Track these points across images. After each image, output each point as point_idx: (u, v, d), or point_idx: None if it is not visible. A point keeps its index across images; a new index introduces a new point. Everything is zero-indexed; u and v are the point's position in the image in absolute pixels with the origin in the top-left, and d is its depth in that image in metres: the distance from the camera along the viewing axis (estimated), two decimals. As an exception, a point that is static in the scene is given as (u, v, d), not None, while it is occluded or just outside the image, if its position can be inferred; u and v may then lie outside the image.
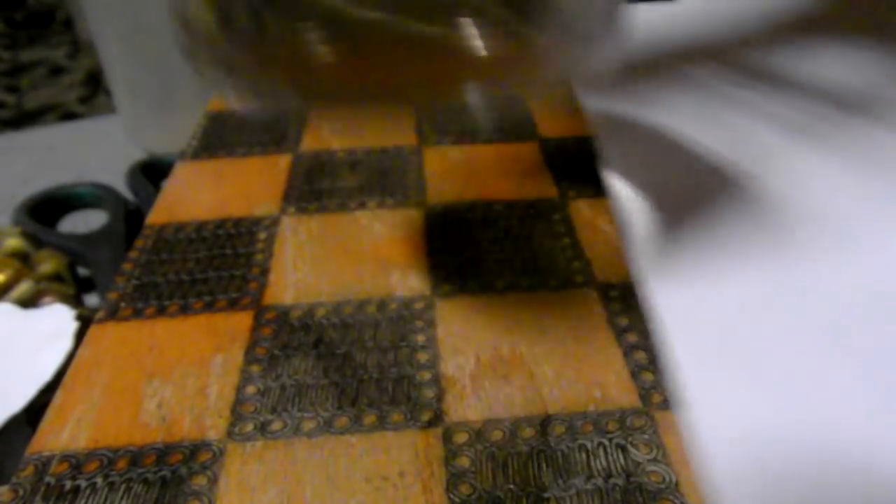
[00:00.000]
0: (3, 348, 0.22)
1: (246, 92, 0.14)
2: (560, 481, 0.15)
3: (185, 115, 0.36)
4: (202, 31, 0.13)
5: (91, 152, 0.39)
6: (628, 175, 0.19)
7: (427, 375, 0.18)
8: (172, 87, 0.36)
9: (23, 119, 0.74)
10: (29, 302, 0.25)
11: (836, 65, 0.22)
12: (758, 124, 0.20)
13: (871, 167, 0.18)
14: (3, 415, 0.20)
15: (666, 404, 0.17)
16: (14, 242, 0.28)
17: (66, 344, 0.22)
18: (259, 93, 0.14)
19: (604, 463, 0.15)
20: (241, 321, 0.20)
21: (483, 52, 0.12)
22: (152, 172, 0.34)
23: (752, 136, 0.19)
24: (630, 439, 0.16)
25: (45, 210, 0.32)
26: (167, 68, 0.35)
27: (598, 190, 0.23)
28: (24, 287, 0.25)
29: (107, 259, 0.28)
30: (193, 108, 0.35)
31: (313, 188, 0.26)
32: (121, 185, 0.34)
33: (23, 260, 0.27)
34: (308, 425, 0.17)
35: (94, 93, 0.78)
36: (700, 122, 0.20)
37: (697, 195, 0.19)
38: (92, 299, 0.28)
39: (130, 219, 0.31)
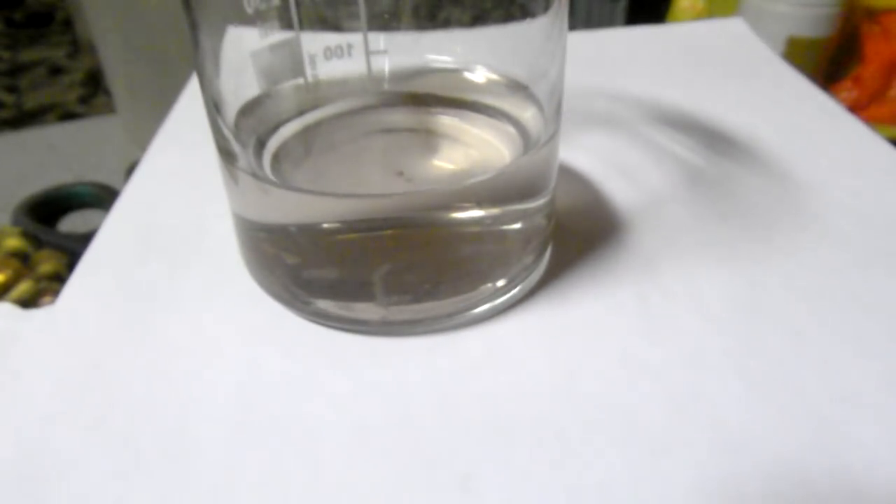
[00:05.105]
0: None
1: None
2: None
3: (185, 115, 0.36)
4: None
5: (91, 152, 0.39)
6: None
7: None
8: (172, 87, 0.36)
9: (23, 119, 0.74)
10: (29, 302, 0.25)
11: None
12: (653, 164, 0.19)
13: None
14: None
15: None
16: (14, 242, 0.28)
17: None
18: None
19: None
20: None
21: None
22: (152, 172, 0.34)
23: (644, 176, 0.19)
24: None
25: (45, 210, 0.33)
26: (167, 68, 0.35)
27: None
28: (24, 287, 0.25)
29: (107, 259, 0.28)
30: (193, 108, 0.35)
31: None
32: (121, 185, 0.34)
33: (23, 260, 0.27)
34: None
35: (94, 93, 0.78)
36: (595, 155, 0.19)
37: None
38: (92, 299, 0.28)
39: (130, 219, 0.31)
